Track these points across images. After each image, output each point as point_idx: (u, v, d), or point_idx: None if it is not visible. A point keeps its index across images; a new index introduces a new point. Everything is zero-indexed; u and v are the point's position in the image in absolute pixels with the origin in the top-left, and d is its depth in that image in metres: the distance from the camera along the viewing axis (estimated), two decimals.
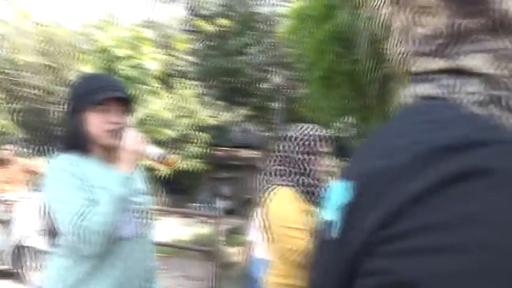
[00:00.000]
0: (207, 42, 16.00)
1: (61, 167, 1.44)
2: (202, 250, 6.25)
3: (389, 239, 0.39)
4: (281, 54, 13.38)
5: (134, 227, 1.53)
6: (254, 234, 4.38)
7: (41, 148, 20.58)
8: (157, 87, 11.87)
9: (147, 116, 11.45)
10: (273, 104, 15.21)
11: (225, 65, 15.02)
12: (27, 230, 4.87)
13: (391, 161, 0.43)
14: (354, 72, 5.35)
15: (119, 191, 1.37)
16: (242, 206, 12.67)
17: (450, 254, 0.36)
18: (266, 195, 1.84)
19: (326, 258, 0.50)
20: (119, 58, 11.07)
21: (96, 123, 1.48)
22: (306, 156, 1.84)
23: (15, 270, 4.95)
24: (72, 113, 1.51)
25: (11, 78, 13.69)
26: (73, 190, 1.38)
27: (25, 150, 12.61)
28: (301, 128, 1.90)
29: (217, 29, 15.41)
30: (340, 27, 5.15)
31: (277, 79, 14.93)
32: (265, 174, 1.94)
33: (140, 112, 11.07)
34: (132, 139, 1.46)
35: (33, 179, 5.84)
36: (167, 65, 14.29)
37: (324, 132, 1.92)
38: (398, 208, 0.39)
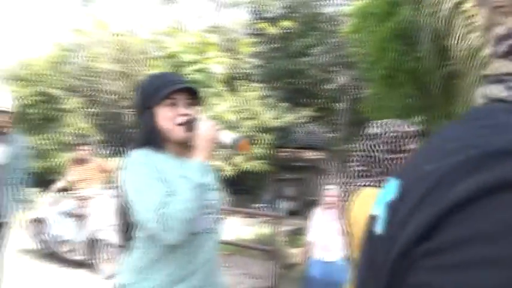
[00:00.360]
0: (270, 45, 16.15)
1: (139, 161, 1.48)
2: (263, 249, 6.34)
3: (431, 252, 0.38)
4: (345, 54, 13.17)
5: (205, 222, 1.55)
6: (313, 235, 4.37)
7: (116, 149, 21.99)
8: (222, 90, 12.21)
9: (212, 119, 11.83)
10: (337, 104, 15.00)
11: (288, 66, 15.07)
12: (100, 224, 5.26)
13: (440, 164, 0.42)
14: (417, 70, 5.15)
15: (198, 178, 1.39)
16: (306, 207, 12.62)
17: (493, 268, 0.33)
18: (349, 198, 1.72)
19: (370, 253, 0.51)
20: (185, 63, 11.54)
21: (166, 117, 1.52)
22: (391, 155, 1.69)
23: (88, 261, 5.36)
24: (143, 111, 1.55)
25: (89, 85, 14.79)
26: (152, 181, 1.42)
27: (101, 151, 13.54)
28: (385, 124, 1.73)
29: (281, 31, 15.50)
30: (402, 24, 4.99)
31: (341, 79, 14.70)
32: (346, 175, 1.86)
33: (206, 115, 11.46)
34: (205, 127, 1.47)
35: (107, 177, 6.29)
36: (232, 68, 14.65)
37: (411, 127, 1.74)
38: (440, 216, 0.38)
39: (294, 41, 15.30)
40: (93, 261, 5.35)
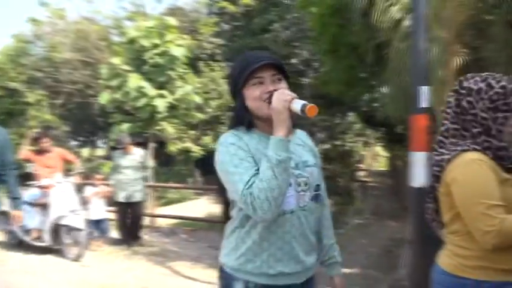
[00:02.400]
0: (232, 23, 16.18)
1: (228, 141, 1.46)
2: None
3: None
4: (306, 28, 13.34)
5: (295, 199, 1.49)
6: None
7: (85, 138, 21.77)
8: (185, 72, 12.25)
9: (178, 102, 11.88)
10: (302, 79, 15.23)
11: (251, 44, 15.14)
12: (63, 210, 5.45)
13: None
14: (357, 44, 5.43)
15: (276, 156, 1.34)
16: None
17: None
18: (446, 162, 1.52)
19: None
20: (146, 48, 11.50)
21: (254, 96, 1.47)
22: (493, 113, 1.50)
23: (54, 247, 5.57)
24: (234, 94, 1.53)
25: (50, 76, 14.58)
26: (239, 161, 1.40)
27: (68, 141, 13.50)
28: (485, 79, 1.54)
29: (242, 9, 15.53)
30: (339, 0, 5.22)
31: (304, 54, 14.90)
32: (437, 136, 1.63)
33: (170, 98, 11.52)
34: (276, 99, 1.39)
35: (69, 166, 6.45)
36: (195, 50, 14.66)
37: None
38: None
39: (255, 18, 15.36)
40: (60, 246, 5.57)
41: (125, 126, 11.70)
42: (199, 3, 17.09)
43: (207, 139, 14.11)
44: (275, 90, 1.43)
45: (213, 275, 5.24)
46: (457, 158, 1.50)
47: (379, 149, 23.08)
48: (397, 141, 11.42)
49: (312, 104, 1.34)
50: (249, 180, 1.35)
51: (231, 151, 1.43)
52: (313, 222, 1.57)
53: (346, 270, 4.72)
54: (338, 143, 16.60)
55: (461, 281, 1.51)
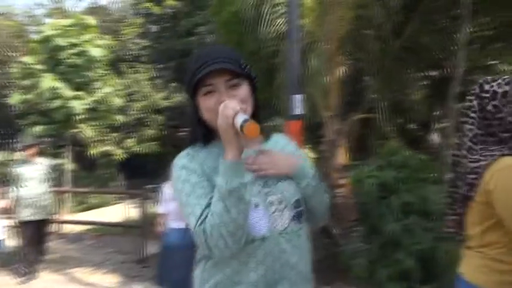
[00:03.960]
0: (158, 25, 16.02)
1: (179, 164, 1.23)
2: (133, 226, 6.63)
3: None
4: None
5: (267, 223, 1.23)
6: (165, 206, 4.68)
7: (1, 141, 20.42)
8: (105, 73, 11.94)
9: (97, 103, 11.56)
10: None
11: (177, 46, 15.07)
12: None
13: None
14: (258, 51, 5.64)
15: (224, 184, 1.11)
16: None
17: None
18: (483, 169, 1.42)
19: None
20: (62, 47, 11.08)
21: (207, 107, 1.20)
22: None
23: None
24: (188, 100, 1.27)
25: None
26: (191, 189, 1.19)
27: None
28: (509, 82, 1.45)
29: (167, 10, 15.42)
30: (239, 10, 5.40)
31: None
32: (461, 141, 1.53)
33: (88, 100, 11.19)
34: (220, 114, 1.12)
35: None
36: (117, 51, 14.33)
37: None
38: None
39: (181, 21, 15.31)
40: None
41: (39, 128, 11.21)
42: (125, 3, 16.73)
43: (130, 142, 13.82)
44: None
45: (112, 280, 5.24)
46: (496, 164, 1.39)
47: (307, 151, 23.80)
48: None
49: (252, 121, 1.07)
50: (201, 214, 1.14)
51: (182, 176, 1.22)
52: (303, 247, 1.29)
53: None
54: None
55: None
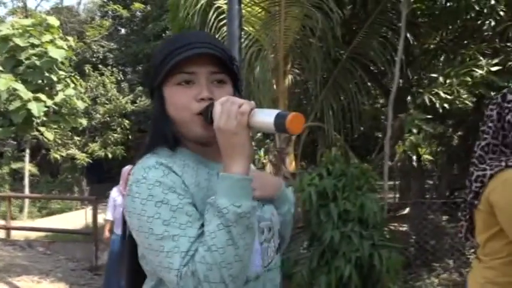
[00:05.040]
0: (126, 28, 15.85)
1: (150, 178, 0.86)
2: (86, 233, 6.51)
3: None
4: None
5: (260, 256, 0.98)
6: (111, 213, 4.62)
7: None
8: (67, 75, 11.69)
9: (58, 106, 11.31)
10: None
11: (145, 50, 14.94)
12: None
13: None
14: None
15: (232, 206, 0.81)
16: None
17: None
18: (488, 178, 1.41)
19: None
20: (21, 47, 10.81)
21: (179, 102, 0.91)
22: None
23: None
24: (152, 93, 0.96)
25: None
26: (171, 215, 0.84)
27: None
28: None
29: (135, 13, 15.29)
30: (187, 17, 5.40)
31: None
32: (476, 151, 1.51)
33: (49, 102, 10.93)
34: (224, 112, 0.84)
35: None
36: (81, 52, 14.11)
37: None
38: None
39: (149, 24, 15.19)
40: None
41: None
42: (93, 4, 16.49)
43: (94, 146, 13.58)
44: (211, 98, 0.89)
45: None
46: (502, 174, 1.38)
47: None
48: None
49: (296, 112, 0.81)
50: (188, 250, 0.82)
51: (157, 196, 0.85)
52: (279, 281, 1.06)
53: None
54: None
55: None
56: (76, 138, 13.42)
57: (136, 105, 14.21)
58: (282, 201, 1.08)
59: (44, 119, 11.26)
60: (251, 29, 4.64)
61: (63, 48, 11.29)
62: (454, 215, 4.75)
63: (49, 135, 11.60)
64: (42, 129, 11.49)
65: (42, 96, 10.70)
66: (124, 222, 0.98)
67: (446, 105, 4.35)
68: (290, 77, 4.77)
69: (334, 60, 4.97)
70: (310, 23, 4.33)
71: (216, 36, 4.77)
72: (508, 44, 4.90)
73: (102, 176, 14.52)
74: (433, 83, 4.48)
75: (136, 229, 0.87)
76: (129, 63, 15.67)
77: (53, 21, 11.61)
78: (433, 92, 4.33)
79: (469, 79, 4.39)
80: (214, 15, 4.43)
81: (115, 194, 4.68)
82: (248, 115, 0.84)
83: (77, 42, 13.22)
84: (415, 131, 3.96)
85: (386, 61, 4.67)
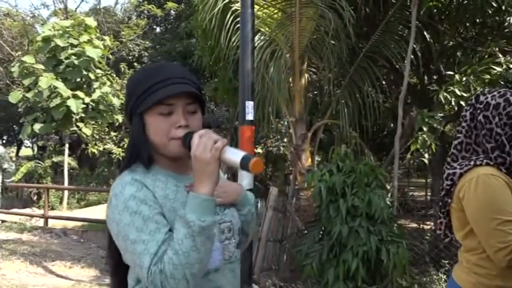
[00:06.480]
0: (159, 27, 16.31)
1: (126, 193, 1.07)
2: None
3: None
4: None
5: (221, 253, 1.19)
6: None
7: (10, 137, 20.95)
8: (103, 73, 12.23)
9: (95, 103, 11.88)
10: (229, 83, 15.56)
11: (178, 48, 15.33)
12: None
13: None
14: (224, 58, 5.80)
15: (198, 220, 1.01)
16: None
17: None
18: (458, 177, 1.48)
19: None
20: (61, 47, 11.41)
21: (160, 129, 1.10)
22: (509, 130, 1.45)
23: None
24: (131, 116, 1.14)
25: None
26: (143, 223, 1.04)
27: None
28: (504, 95, 1.49)
29: (168, 12, 15.70)
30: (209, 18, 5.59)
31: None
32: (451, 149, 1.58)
33: (86, 99, 11.50)
34: (201, 144, 1.04)
35: None
36: (117, 51, 14.67)
37: None
38: None
39: (182, 23, 15.56)
40: None
41: (37, 126, 11.58)
42: (130, 4, 17.05)
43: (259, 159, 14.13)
44: (189, 126, 1.11)
45: (88, 274, 5.50)
46: (470, 173, 1.45)
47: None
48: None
49: (257, 157, 1.02)
50: (157, 252, 1.01)
51: (131, 208, 1.05)
52: (238, 276, 1.27)
53: None
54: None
55: None
56: (112, 133, 14.00)
57: None
58: (243, 204, 1.29)
59: (82, 115, 11.87)
60: (267, 29, 4.78)
61: (100, 48, 11.85)
62: None
63: (87, 130, 12.21)
64: (80, 125, 12.12)
65: (81, 94, 11.30)
66: None
67: (462, 102, 4.34)
68: (306, 75, 4.90)
69: (350, 59, 5.04)
70: (325, 23, 4.44)
71: (233, 40, 4.96)
72: None
73: None
74: (450, 81, 4.47)
75: (115, 234, 1.07)
76: (163, 60, 16.12)
77: (91, 22, 12.20)
78: (449, 90, 4.33)
79: (487, 76, 4.36)
80: (231, 18, 4.61)
81: None
82: (220, 151, 1.03)
83: (113, 41, 13.76)
84: (425, 129, 3.99)
85: (402, 59, 4.70)
